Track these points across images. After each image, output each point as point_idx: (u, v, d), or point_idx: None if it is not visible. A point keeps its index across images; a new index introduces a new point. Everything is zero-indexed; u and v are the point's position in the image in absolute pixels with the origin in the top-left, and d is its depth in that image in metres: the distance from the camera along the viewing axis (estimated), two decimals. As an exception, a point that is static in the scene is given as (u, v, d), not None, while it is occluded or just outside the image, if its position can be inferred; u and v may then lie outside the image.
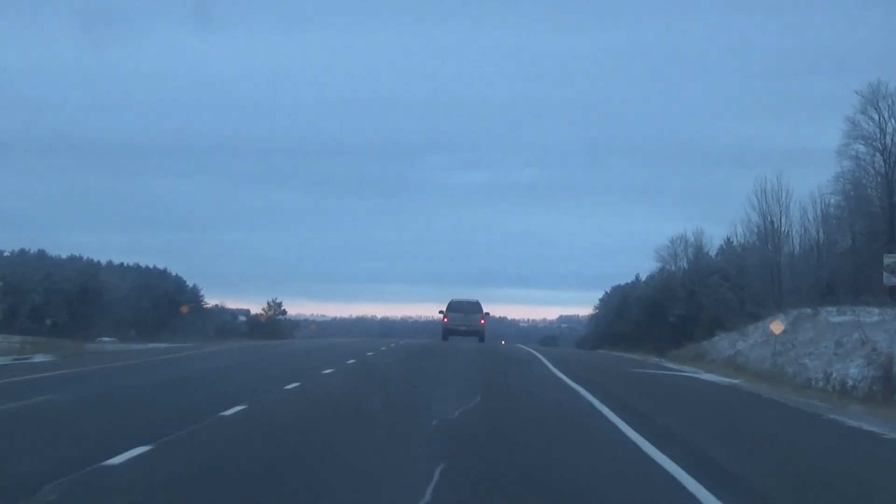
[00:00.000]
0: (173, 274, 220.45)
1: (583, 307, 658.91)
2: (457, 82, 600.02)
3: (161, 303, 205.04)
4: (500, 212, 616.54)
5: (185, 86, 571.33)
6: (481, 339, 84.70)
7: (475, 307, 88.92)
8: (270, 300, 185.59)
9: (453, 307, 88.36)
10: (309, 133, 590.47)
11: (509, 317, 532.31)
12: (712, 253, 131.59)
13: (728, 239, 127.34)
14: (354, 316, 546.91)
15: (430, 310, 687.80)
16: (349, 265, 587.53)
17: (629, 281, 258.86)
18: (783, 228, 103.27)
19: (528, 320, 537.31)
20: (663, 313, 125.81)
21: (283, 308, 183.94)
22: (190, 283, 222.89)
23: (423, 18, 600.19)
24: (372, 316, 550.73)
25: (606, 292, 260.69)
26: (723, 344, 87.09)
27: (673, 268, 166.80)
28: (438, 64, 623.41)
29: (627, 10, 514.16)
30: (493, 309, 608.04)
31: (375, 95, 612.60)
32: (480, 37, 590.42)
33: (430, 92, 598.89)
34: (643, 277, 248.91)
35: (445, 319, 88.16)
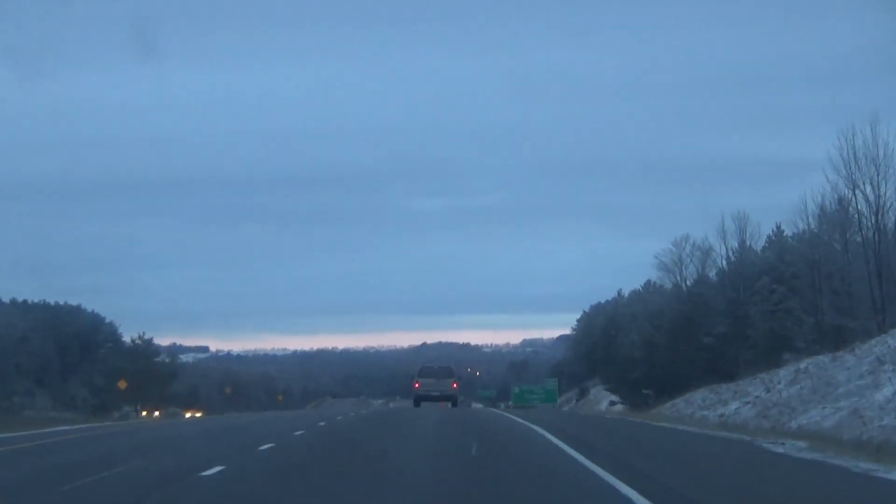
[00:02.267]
0: (88, 310, 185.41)
1: (547, 330, 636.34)
2: (416, 108, 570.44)
3: (70, 345, 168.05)
4: (462, 237, 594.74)
5: (127, 121, 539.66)
6: (454, 404, 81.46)
7: (447, 371, 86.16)
8: (139, 334, 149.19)
9: (424, 372, 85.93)
10: (262, 165, 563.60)
11: (472, 342, 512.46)
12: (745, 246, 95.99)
13: (778, 227, 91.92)
14: (315, 348, 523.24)
15: (394, 339, 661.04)
16: (307, 297, 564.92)
17: (610, 298, 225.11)
18: (886, 202, 68.42)
19: (492, 345, 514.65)
20: (691, 333, 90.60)
21: (152, 342, 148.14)
22: (108, 320, 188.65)
23: (378, 46, 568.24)
24: (333, 347, 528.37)
25: (585, 312, 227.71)
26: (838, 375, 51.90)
27: (678, 277, 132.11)
28: (396, 91, 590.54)
29: (594, 30, 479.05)
30: (457, 336, 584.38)
31: (331, 124, 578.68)
32: (437, 62, 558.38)
33: (388, 119, 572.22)
34: (626, 293, 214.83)
35: (417, 385, 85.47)
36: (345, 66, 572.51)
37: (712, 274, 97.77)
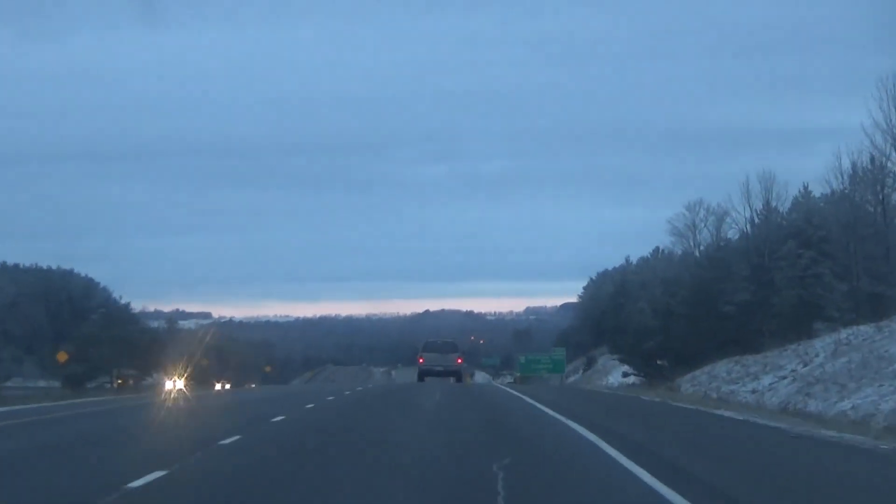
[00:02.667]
0: (82, 275, 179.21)
1: (551, 298, 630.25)
2: (422, 73, 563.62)
3: (62, 310, 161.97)
4: (466, 204, 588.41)
5: (129, 84, 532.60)
6: (458, 380, 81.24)
7: (451, 347, 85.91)
8: (117, 297, 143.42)
9: (428, 347, 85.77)
10: (266, 130, 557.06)
11: (476, 310, 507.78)
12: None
13: (805, 188, 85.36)
14: (318, 315, 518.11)
15: (397, 306, 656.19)
16: (311, 264, 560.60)
17: (617, 265, 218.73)
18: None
19: (495, 313, 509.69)
20: (710, 300, 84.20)
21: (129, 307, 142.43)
22: (102, 285, 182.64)
23: (386, 10, 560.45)
24: (336, 314, 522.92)
25: (592, 279, 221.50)
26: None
27: (691, 242, 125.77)
28: (399, 54, 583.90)
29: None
30: (460, 303, 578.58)
31: (336, 89, 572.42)
32: (442, 24, 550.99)
33: (393, 84, 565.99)
34: (634, 260, 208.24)
35: (421, 360, 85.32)
36: (350, 30, 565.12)
37: (734, 237, 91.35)
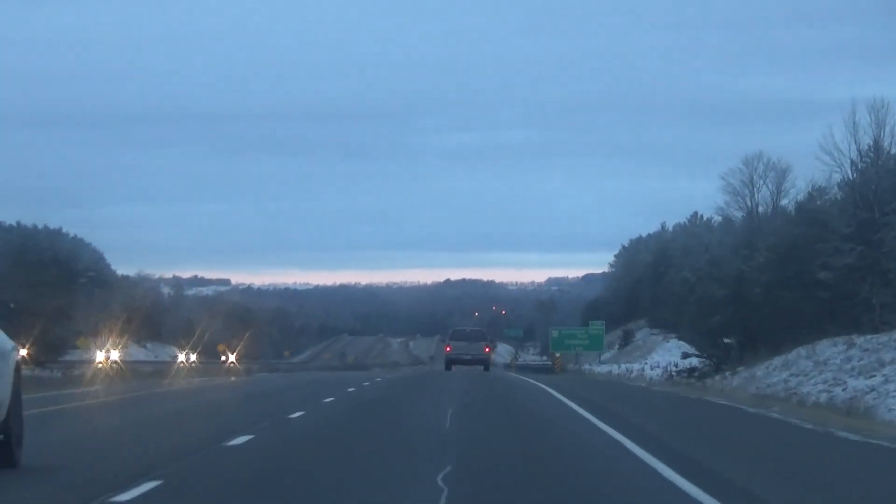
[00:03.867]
0: (70, 235, 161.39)
1: (573, 269, 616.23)
2: (443, 40, 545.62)
3: (43, 273, 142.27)
4: (489, 174, 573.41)
5: (153, 50, 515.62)
6: (486, 368, 79.28)
7: (479, 335, 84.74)
8: (96, 260, 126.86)
9: (456, 335, 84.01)
10: (289, 98, 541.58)
11: (497, 280, 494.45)
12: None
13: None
14: (338, 283, 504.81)
15: (418, 275, 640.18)
16: (332, 232, 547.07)
17: (653, 231, 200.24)
18: None
19: (517, 283, 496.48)
20: (800, 266, 65.64)
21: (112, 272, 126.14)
22: (93, 247, 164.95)
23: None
24: (356, 283, 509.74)
25: (624, 246, 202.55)
26: None
27: (748, 201, 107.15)
28: (423, 22, 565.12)
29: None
30: (481, 273, 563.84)
31: (358, 57, 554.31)
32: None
33: (416, 51, 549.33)
34: (670, 226, 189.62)
35: (448, 348, 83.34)
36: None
37: (821, 187, 72.65)
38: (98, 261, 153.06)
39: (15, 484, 14.71)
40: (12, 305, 18.65)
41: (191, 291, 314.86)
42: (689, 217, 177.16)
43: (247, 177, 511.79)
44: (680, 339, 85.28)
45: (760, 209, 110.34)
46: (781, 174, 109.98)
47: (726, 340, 74.97)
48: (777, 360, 57.14)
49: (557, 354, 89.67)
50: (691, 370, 77.44)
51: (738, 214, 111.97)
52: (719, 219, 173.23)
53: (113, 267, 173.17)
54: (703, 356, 77.60)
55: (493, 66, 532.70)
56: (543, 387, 45.85)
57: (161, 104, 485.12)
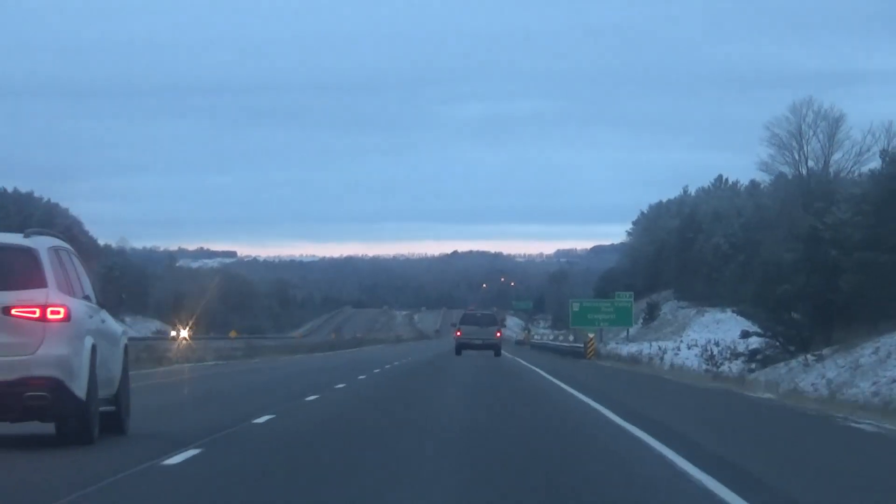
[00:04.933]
0: (43, 199, 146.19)
1: (581, 241, 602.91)
2: (453, 10, 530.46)
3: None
4: (497, 145, 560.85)
5: (164, 21, 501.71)
6: (497, 353, 77.57)
7: (490, 319, 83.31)
8: (68, 226, 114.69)
9: (467, 320, 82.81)
10: (296, 69, 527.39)
11: (505, 252, 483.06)
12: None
13: None
14: (344, 255, 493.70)
15: (425, 247, 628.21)
16: (339, 204, 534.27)
17: (674, 196, 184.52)
18: None
19: (525, 255, 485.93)
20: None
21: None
22: (71, 212, 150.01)
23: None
24: (363, 255, 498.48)
25: (643, 213, 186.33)
26: None
27: (797, 154, 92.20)
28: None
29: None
30: (489, 245, 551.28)
31: (367, 28, 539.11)
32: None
33: (425, 21, 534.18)
34: (692, 191, 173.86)
35: (458, 333, 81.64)
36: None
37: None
38: (71, 226, 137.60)
39: (81, 453, 16.77)
40: (123, 296, 18.62)
41: (196, 264, 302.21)
42: (713, 181, 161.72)
43: (253, 148, 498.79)
44: (742, 314, 69.61)
45: (810, 164, 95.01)
46: (834, 124, 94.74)
47: (794, 316, 59.58)
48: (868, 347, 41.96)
49: (591, 335, 73.54)
50: (752, 353, 62.08)
51: (786, 170, 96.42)
52: (746, 182, 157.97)
53: (92, 234, 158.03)
54: (767, 335, 62.11)
55: (502, 35, 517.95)
56: (605, 413, 27.52)
57: (168, 76, 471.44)
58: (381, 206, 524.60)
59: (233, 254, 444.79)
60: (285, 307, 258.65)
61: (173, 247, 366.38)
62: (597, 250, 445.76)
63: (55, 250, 18.19)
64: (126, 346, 20.58)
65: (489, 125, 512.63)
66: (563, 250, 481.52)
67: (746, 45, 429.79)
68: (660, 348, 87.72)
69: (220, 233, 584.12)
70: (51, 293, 17.38)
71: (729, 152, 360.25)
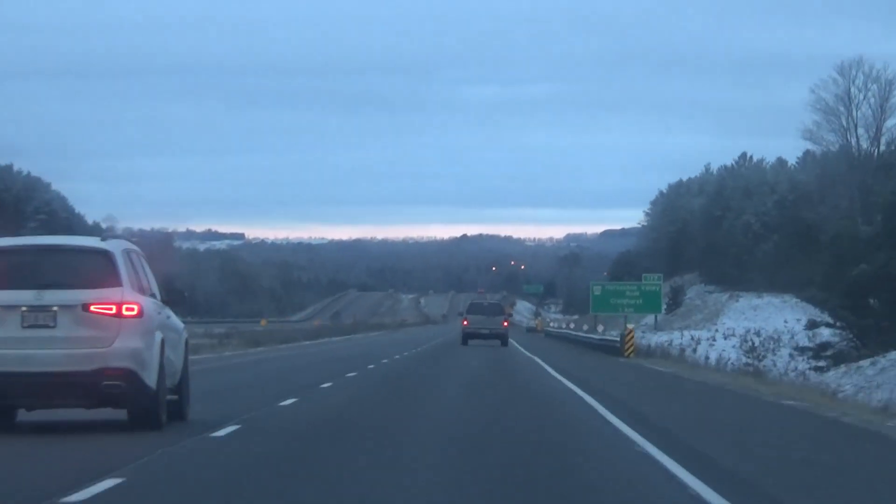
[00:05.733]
0: (23, 173, 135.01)
1: (591, 225, 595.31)
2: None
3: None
4: (508, 129, 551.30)
5: (167, 1, 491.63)
6: (504, 343, 76.12)
7: (497, 309, 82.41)
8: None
9: (473, 309, 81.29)
10: (307, 49, 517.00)
11: (515, 236, 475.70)
12: None
13: None
14: (353, 238, 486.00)
15: (434, 231, 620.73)
16: (349, 187, 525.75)
17: (695, 175, 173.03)
18: None
19: (535, 239, 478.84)
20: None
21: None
22: (53, 187, 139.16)
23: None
24: (371, 237, 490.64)
25: (661, 192, 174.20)
26: None
27: (845, 121, 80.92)
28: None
29: None
30: (499, 229, 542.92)
31: (379, 9, 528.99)
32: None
33: (438, 4, 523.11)
34: (714, 168, 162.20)
35: (465, 322, 79.98)
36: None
37: None
38: (51, 201, 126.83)
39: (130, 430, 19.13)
40: (186, 294, 22.43)
41: (203, 246, 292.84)
42: (736, 159, 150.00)
43: (264, 130, 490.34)
44: (809, 301, 57.92)
45: (860, 131, 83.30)
46: (886, 87, 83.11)
47: (871, 302, 48.07)
48: None
49: (630, 326, 60.02)
50: (821, 347, 50.50)
51: (832, 138, 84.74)
52: (772, 160, 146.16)
53: (80, 212, 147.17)
54: (836, 325, 50.50)
55: (514, 19, 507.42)
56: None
57: (177, 56, 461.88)
58: (390, 189, 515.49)
59: (241, 236, 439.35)
60: (288, 290, 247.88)
61: (181, 228, 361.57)
62: (607, 235, 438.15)
63: (127, 252, 19.75)
64: (187, 340, 21.95)
65: (500, 108, 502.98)
66: (573, 235, 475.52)
67: (762, 27, 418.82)
68: (692, 338, 76.16)
69: (229, 215, 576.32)
70: (125, 292, 18.95)
71: (742, 137, 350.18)
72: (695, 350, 72.55)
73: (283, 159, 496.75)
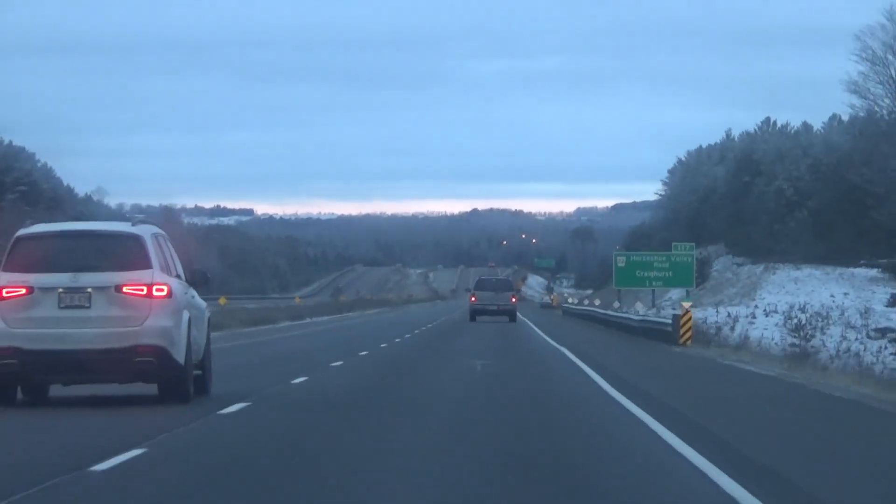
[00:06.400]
0: (5, 142, 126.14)
1: (602, 200, 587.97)
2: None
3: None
4: (518, 103, 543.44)
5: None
6: (512, 319, 74.49)
7: (505, 285, 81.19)
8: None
9: (481, 285, 78.80)
10: (316, 24, 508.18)
11: (525, 210, 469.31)
12: None
13: None
14: (363, 213, 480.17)
15: (444, 206, 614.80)
16: (359, 162, 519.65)
17: (714, 142, 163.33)
18: None
19: (546, 213, 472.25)
20: None
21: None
22: (37, 157, 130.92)
23: None
24: (381, 213, 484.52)
25: (680, 160, 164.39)
26: None
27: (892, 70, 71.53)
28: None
29: None
30: (509, 204, 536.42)
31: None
32: None
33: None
34: (736, 134, 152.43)
35: (473, 298, 77.23)
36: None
37: None
38: (32, 171, 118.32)
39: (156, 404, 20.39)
40: (209, 276, 23.09)
41: (212, 221, 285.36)
42: (759, 124, 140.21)
43: (273, 105, 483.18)
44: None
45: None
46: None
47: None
48: None
49: (687, 305, 48.12)
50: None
51: (878, 90, 75.12)
52: (797, 125, 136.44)
53: (69, 184, 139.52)
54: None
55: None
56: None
57: (186, 30, 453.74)
58: (400, 165, 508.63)
59: (249, 211, 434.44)
60: (294, 265, 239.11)
61: (190, 204, 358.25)
62: (618, 208, 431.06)
63: (155, 237, 20.72)
64: (209, 319, 22.93)
65: (510, 82, 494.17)
66: (584, 209, 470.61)
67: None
68: (729, 315, 66.73)
69: (238, 191, 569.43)
70: (155, 274, 19.93)
71: (757, 109, 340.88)
72: (732, 329, 63.29)
73: (292, 135, 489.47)
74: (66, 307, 19.46)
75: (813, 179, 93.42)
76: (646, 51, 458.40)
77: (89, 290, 19.45)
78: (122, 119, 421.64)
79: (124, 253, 19.81)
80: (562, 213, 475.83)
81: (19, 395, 20.65)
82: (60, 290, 19.46)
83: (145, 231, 20.22)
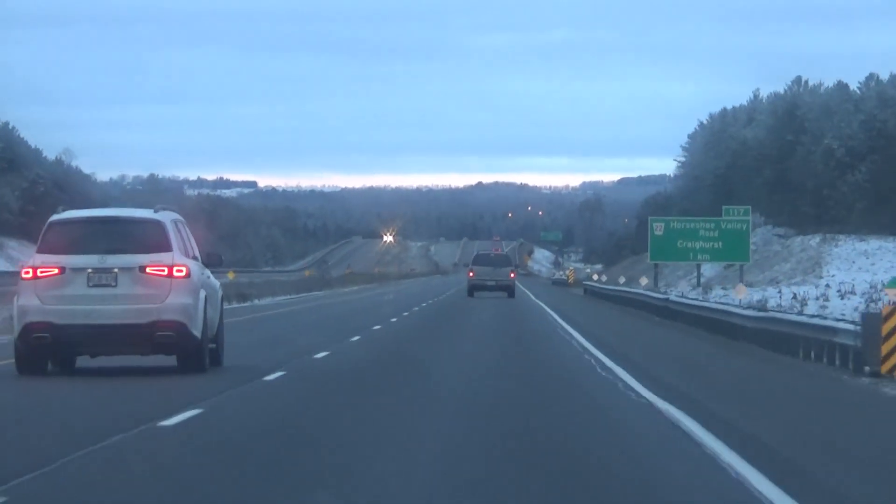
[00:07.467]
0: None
1: (608, 174, 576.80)
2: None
3: None
4: (524, 76, 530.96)
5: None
6: (511, 295, 72.78)
7: (504, 260, 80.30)
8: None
9: (480, 260, 78.36)
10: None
11: (531, 184, 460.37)
12: None
13: None
14: (367, 186, 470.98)
15: (449, 179, 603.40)
16: (364, 135, 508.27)
17: (739, 104, 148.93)
18: None
19: (551, 187, 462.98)
20: None
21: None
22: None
23: None
24: (385, 186, 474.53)
25: (702, 123, 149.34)
26: None
27: None
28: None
29: None
30: (514, 177, 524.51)
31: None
32: None
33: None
34: (764, 95, 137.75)
35: (471, 273, 75.91)
36: None
37: None
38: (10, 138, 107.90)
39: (203, 377, 22.17)
40: (223, 258, 25.74)
41: (215, 193, 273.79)
42: (788, 84, 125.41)
43: (278, 78, 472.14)
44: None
45: None
46: None
47: None
48: None
49: (891, 290, 34.72)
50: None
51: None
52: (830, 84, 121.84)
53: (35, 145, 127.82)
54: None
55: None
56: None
57: (192, 2, 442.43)
58: (405, 138, 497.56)
59: (253, 184, 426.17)
60: (289, 237, 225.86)
61: (192, 176, 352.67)
62: (624, 182, 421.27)
63: (175, 222, 23.03)
64: (222, 297, 24.76)
65: (516, 56, 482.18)
66: (590, 182, 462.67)
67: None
68: (795, 297, 52.34)
69: (242, 163, 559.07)
70: (175, 256, 22.16)
71: (771, 81, 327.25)
72: (800, 313, 49.05)
73: (298, 107, 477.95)
74: (95, 286, 21.81)
75: (867, 138, 79.23)
76: (653, 25, 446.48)
77: (116, 270, 21.85)
78: (123, 90, 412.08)
79: (147, 237, 22.14)
80: (567, 186, 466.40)
81: (49, 366, 22.47)
82: (89, 270, 21.87)
83: (166, 217, 22.62)
